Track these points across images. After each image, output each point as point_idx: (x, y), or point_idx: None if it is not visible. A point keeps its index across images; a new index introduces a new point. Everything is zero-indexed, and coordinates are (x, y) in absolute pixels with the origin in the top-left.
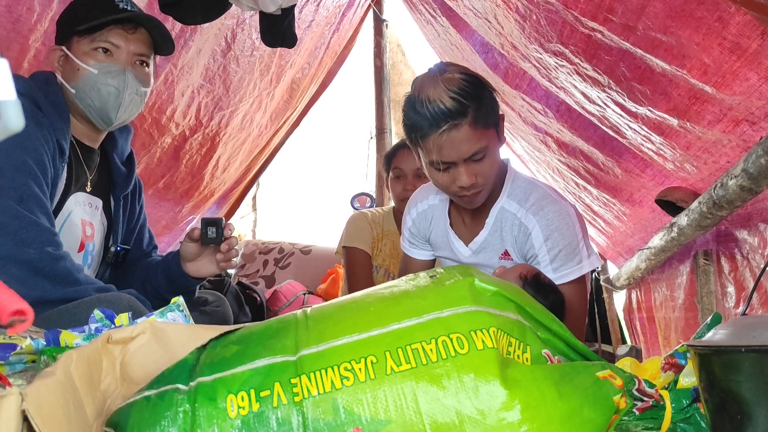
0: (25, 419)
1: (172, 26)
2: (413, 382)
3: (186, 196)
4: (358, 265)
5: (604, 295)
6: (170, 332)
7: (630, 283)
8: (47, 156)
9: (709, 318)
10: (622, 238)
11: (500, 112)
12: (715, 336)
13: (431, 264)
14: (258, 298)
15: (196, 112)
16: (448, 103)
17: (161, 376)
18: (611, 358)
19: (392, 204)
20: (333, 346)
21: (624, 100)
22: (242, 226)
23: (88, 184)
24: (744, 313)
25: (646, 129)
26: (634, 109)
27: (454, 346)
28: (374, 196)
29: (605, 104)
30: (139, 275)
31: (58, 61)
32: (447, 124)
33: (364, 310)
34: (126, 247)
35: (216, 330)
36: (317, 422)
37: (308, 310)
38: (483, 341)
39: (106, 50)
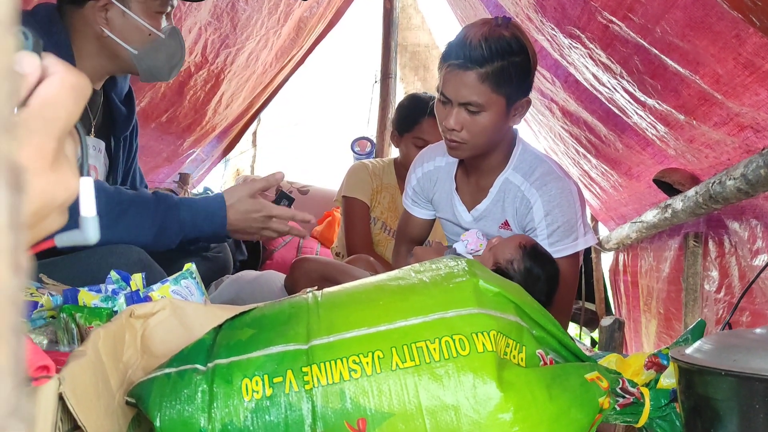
0: (60, 398)
1: None
2: (416, 379)
3: (188, 130)
4: (357, 216)
5: (592, 254)
6: (189, 310)
7: (618, 247)
8: None
9: (693, 324)
10: (616, 205)
11: (526, 97)
12: (698, 353)
13: (431, 223)
14: None
15: (203, 49)
16: (474, 46)
17: (181, 354)
18: (594, 315)
19: (393, 156)
20: (343, 338)
21: (634, 90)
22: (241, 162)
23: (92, 127)
24: (728, 323)
25: (652, 117)
26: (642, 99)
27: (456, 347)
28: (375, 141)
29: (614, 89)
30: None
31: (103, 14)
32: (459, 61)
33: (374, 303)
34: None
35: (231, 310)
36: (326, 410)
37: (319, 295)
38: (483, 344)
39: (167, 13)
